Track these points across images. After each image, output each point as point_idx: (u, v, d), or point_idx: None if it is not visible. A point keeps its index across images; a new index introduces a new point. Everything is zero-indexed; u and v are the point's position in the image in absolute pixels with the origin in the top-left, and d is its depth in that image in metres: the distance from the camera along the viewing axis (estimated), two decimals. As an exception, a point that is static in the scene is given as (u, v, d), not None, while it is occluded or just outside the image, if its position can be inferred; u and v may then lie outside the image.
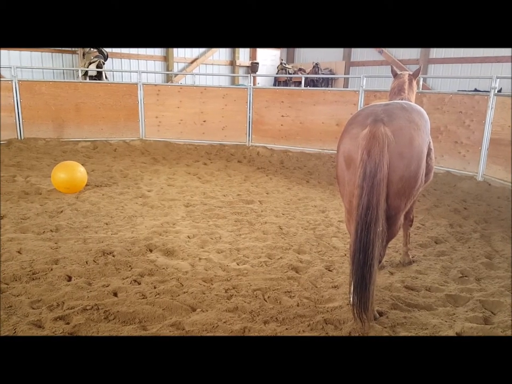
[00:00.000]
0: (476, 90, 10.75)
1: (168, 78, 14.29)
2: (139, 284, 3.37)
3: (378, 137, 2.54)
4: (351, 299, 2.75)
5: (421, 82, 8.61)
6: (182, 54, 14.65)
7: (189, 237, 4.44)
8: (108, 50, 12.04)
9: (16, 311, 2.88)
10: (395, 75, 4.09)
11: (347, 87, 14.64)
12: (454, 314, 3.01)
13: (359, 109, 8.78)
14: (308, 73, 15.06)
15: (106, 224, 4.72)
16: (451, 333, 2.72)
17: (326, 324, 2.86)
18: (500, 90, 8.30)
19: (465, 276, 3.70)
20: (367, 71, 14.78)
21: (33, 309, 2.92)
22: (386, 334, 2.74)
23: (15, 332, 2.62)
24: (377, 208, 2.51)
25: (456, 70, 12.96)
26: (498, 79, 7.11)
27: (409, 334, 2.72)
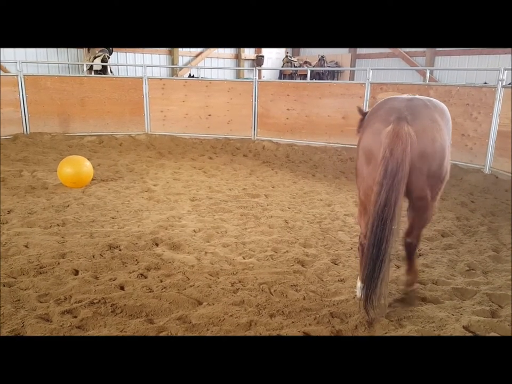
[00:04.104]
0: (485, 84, 10.61)
1: (173, 72, 14.26)
2: (145, 277, 3.39)
3: (402, 136, 2.54)
4: (359, 292, 2.78)
5: (427, 75, 8.53)
6: (188, 48, 14.61)
7: (194, 231, 4.45)
8: (112, 44, 12.03)
9: (24, 304, 2.90)
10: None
11: (353, 80, 14.53)
12: (461, 307, 3.00)
13: (366, 101, 8.74)
14: (313, 66, 14.97)
15: (113, 218, 4.74)
16: (458, 326, 2.71)
17: (332, 317, 2.86)
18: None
19: (472, 269, 3.68)
20: (373, 64, 14.67)
21: (40, 302, 2.94)
22: (392, 327, 2.73)
23: (23, 325, 2.64)
24: (395, 206, 2.51)
25: (463, 62, 12.81)
26: (506, 71, 7.02)
27: (416, 327, 2.71)
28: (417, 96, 2.95)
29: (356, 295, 3.11)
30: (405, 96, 2.94)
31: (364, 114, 3.75)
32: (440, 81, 12.67)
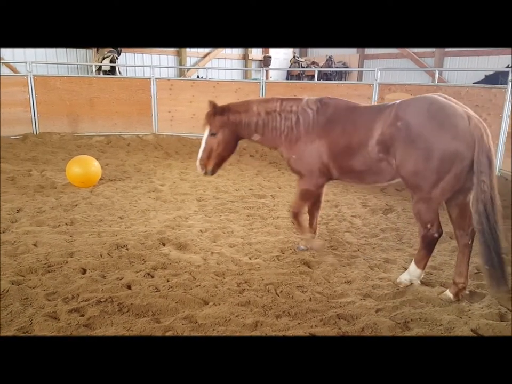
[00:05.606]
0: (486, 77, 10.49)
1: (181, 73, 14.30)
2: (152, 277, 3.40)
3: (486, 127, 2.91)
4: (417, 279, 3.29)
5: (436, 75, 8.46)
6: (194, 48, 14.64)
7: (201, 231, 4.46)
8: (121, 45, 12.08)
9: (32, 302, 2.93)
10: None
11: (361, 81, 14.47)
12: (469, 310, 2.97)
13: (374, 102, 8.68)
14: (321, 67, 14.92)
15: (120, 218, 4.76)
16: (466, 329, 2.68)
17: (339, 319, 2.85)
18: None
19: (481, 272, 3.64)
20: (381, 64, 14.57)
21: (48, 300, 2.97)
22: (399, 330, 2.71)
23: (31, 323, 2.66)
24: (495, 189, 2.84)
25: (473, 62, 12.69)
26: (516, 72, 6.93)
27: (423, 330, 2.69)
28: (441, 94, 3.19)
29: (412, 282, 3.27)
30: (432, 95, 3.18)
31: (218, 111, 3.64)
32: (449, 82, 12.57)
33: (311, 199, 3.79)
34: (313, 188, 3.67)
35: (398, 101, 3.21)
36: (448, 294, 3.14)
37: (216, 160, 3.70)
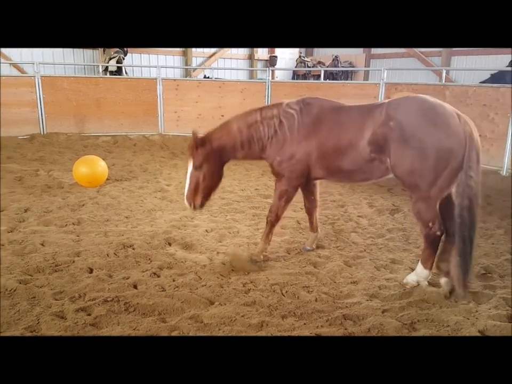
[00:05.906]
0: (491, 75, 10.38)
1: (187, 73, 14.34)
2: (158, 276, 3.41)
3: (475, 126, 2.99)
4: (425, 280, 3.25)
5: (443, 75, 8.41)
6: (200, 48, 14.66)
7: (207, 231, 4.46)
8: (127, 45, 12.12)
9: (40, 302, 2.95)
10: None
11: (367, 80, 14.41)
12: (477, 311, 2.95)
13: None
14: (327, 67, 14.88)
15: (127, 217, 4.78)
16: (473, 330, 2.66)
17: (345, 319, 2.84)
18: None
19: (489, 273, 3.61)
20: (388, 64, 14.49)
21: (56, 300, 2.98)
22: (406, 331, 2.70)
23: (39, 322, 2.68)
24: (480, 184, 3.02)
25: (480, 62, 12.59)
26: (525, 71, 6.88)
27: (430, 331, 2.67)
28: (427, 96, 3.16)
29: (419, 283, 3.24)
30: (420, 95, 3.15)
31: (199, 142, 3.50)
32: (457, 82, 12.48)
33: (291, 200, 3.69)
34: (292, 189, 3.61)
35: (387, 101, 3.22)
36: (443, 281, 3.15)
37: (204, 193, 3.57)
